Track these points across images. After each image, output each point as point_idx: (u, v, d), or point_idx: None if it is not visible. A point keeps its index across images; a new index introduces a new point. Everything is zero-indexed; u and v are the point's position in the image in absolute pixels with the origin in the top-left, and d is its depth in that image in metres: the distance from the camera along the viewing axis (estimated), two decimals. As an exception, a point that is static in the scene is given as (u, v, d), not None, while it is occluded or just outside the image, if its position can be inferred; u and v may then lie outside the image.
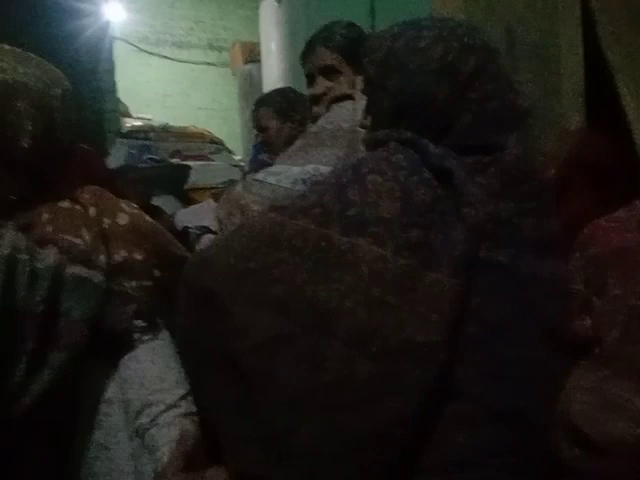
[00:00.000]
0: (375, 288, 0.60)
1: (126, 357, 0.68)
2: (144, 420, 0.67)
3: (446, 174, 0.64)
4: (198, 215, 1.61)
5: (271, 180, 1.17)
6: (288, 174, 1.15)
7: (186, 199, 2.70)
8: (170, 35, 5.08)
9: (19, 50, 0.74)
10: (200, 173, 3.09)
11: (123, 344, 0.68)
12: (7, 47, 0.73)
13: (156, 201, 2.25)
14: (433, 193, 0.63)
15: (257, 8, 4.19)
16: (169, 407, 0.67)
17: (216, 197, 1.76)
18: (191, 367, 0.69)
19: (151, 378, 0.67)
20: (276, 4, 3.90)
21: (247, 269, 0.64)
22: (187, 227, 1.57)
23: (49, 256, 0.63)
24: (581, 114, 2.45)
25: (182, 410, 0.68)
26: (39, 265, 0.62)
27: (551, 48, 2.54)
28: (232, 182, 2.29)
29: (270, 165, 1.64)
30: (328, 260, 0.61)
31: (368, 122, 0.77)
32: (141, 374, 0.67)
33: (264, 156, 1.73)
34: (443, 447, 0.61)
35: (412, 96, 0.69)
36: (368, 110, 0.77)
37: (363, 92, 0.79)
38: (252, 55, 4.64)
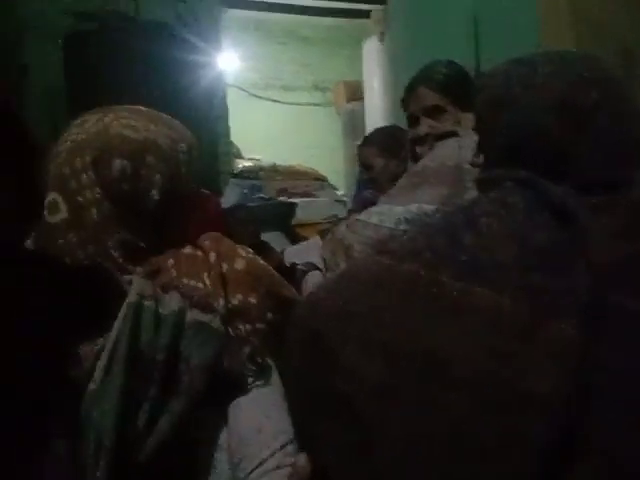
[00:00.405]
0: (491, 336, 0.57)
1: (236, 406, 0.69)
2: (240, 474, 0.67)
3: (568, 215, 0.60)
4: (305, 252, 1.64)
5: (374, 220, 1.17)
6: (391, 214, 1.15)
7: (293, 235, 2.78)
8: (278, 79, 5.34)
9: (150, 109, 0.81)
10: (305, 209, 3.19)
11: (236, 388, 0.69)
12: (141, 108, 0.81)
13: (265, 237, 2.34)
14: (554, 236, 0.59)
15: (360, 48, 4.29)
16: (262, 462, 0.67)
17: (322, 234, 1.80)
18: (299, 410, 0.68)
19: (248, 429, 0.67)
20: (379, 43, 3.97)
21: (355, 312, 0.64)
22: (295, 264, 1.60)
23: (172, 301, 0.66)
24: None
25: (276, 463, 0.67)
26: (163, 311, 0.65)
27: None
28: (337, 219, 2.34)
29: (374, 202, 1.65)
30: (440, 306, 0.59)
31: (480, 161, 0.75)
32: (240, 423, 0.68)
33: (368, 193, 1.75)
34: None
35: (526, 134, 0.66)
36: (480, 149, 0.75)
37: (475, 130, 0.77)
38: (355, 94, 4.75)
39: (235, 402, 0.69)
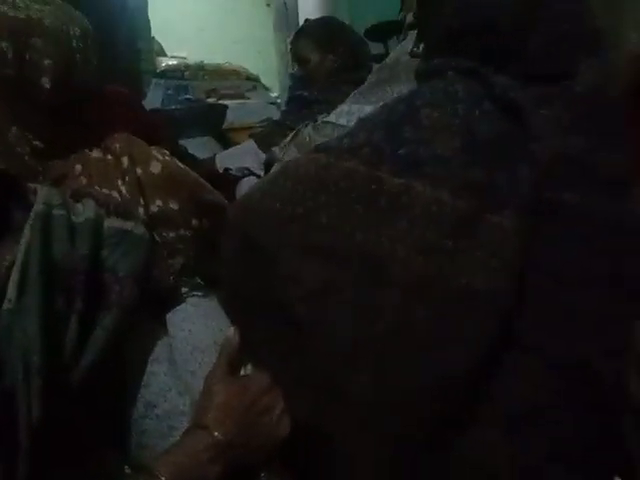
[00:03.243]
0: (431, 233, 0.55)
1: (176, 315, 0.67)
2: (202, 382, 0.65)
3: (511, 107, 0.57)
4: (240, 157, 1.58)
5: (343, 121, 1.11)
6: (361, 114, 1.10)
7: (224, 140, 2.67)
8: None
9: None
10: (237, 112, 3.05)
11: (171, 301, 0.67)
12: None
13: (194, 143, 2.23)
14: (496, 128, 0.57)
15: None
16: None
17: (256, 137, 1.72)
18: (238, 317, 0.67)
19: (206, 341, 0.65)
20: None
21: (293, 215, 0.61)
22: (228, 169, 1.54)
23: (86, 209, 0.61)
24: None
25: None
26: (77, 220, 0.60)
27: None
28: (271, 122, 2.24)
29: (310, 101, 1.57)
30: (379, 204, 0.57)
31: (420, 50, 0.71)
32: (195, 336, 0.66)
33: (304, 92, 1.66)
34: (502, 399, 0.58)
35: (471, 18, 0.62)
36: (420, 37, 0.71)
37: (416, 17, 0.72)
38: (286, -15, 4.43)
39: (183, 313, 0.67)
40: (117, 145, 0.70)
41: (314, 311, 0.59)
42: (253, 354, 0.65)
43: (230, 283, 0.68)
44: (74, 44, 0.68)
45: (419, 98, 0.60)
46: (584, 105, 0.60)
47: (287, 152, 1.28)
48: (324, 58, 1.60)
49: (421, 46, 0.71)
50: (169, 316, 0.67)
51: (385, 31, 2.43)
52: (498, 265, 0.54)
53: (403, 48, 1.15)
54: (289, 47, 1.96)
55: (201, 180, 0.76)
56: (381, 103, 1.12)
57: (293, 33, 1.94)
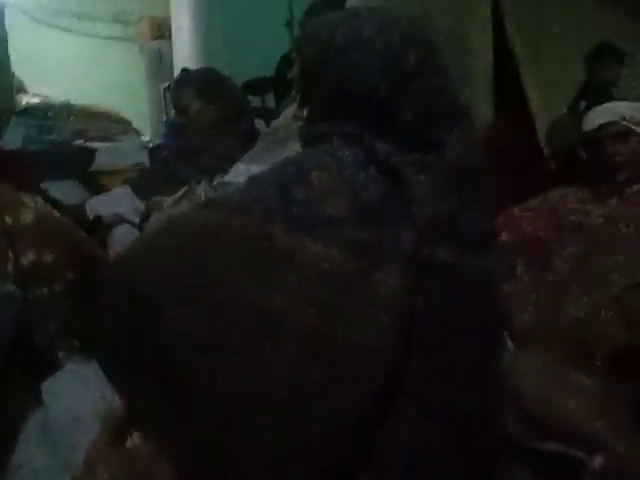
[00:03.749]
0: (323, 289, 0.57)
1: (53, 383, 0.60)
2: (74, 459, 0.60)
3: (393, 172, 0.62)
4: (113, 203, 1.51)
5: (240, 179, 1.11)
6: (236, 172, 1.10)
7: (92, 183, 2.54)
8: (70, 4, 4.71)
9: None
10: (106, 155, 2.92)
11: (46, 367, 0.61)
12: None
13: (57, 186, 2.10)
14: (380, 191, 0.61)
15: (166, -19, 3.98)
16: None
17: (131, 183, 1.66)
18: (121, 381, 0.62)
19: (87, 411, 0.60)
20: (187, -22, 3.73)
21: (180, 270, 0.59)
22: (99, 216, 1.47)
23: None
24: (490, 104, 2.56)
25: None
26: None
27: (462, 35, 2.63)
28: (143, 167, 2.17)
29: (192, 149, 1.56)
30: (271, 261, 0.58)
31: (304, 114, 0.74)
32: (74, 406, 0.60)
33: (183, 141, 1.64)
34: (391, 448, 0.60)
35: (352, 89, 0.67)
36: (303, 101, 0.74)
37: (298, 82, 0.76)
38: (161, 31, 4.43)
39: (59, 380, 0.60)
40: None
41: (203, 369, 0.58)
42: (139, 422, 0.61)
43: (110, 343, 0.63)
44: None
45: (308, 161, 0.63)
46: (454, 171, 0.66)
47: (179, 207, 1.25)
48: (205, 108, 1.61)
49: (304, 110, 0.74)
50: (44, 385, 0.60)
51: (263, 86, 2.51)
52: (385, 320, 0.57)
53: (288, 112, 1.20)
54: (162, 93, 1.94)
55: (77, 229, 0.71)
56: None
57: (167, 80, 1.93)
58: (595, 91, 2.42)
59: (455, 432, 0.63)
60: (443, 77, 0.69)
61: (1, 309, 0.57)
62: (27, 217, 0.64)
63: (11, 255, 0.60)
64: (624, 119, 1.34)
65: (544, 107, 2.41)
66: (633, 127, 1.31)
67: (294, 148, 1.11)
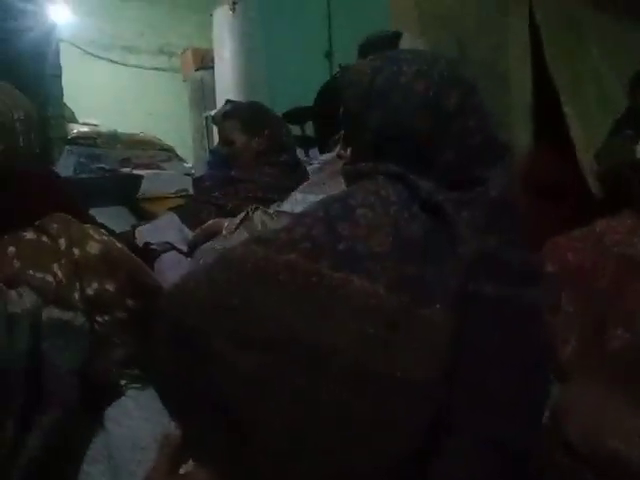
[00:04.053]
0: (368, 325, 0.59)
1: (114, 410, 0.63)
2: None
3: (436, 209, 0.64)
4: (160, 230, 1.56)
5: (299, 210, 1.14)
6: (291, 201, 1.13)
7: (138, 210, 2.62)
8: (119, 39, 4.93)
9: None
10: (152, 182, 3.01)
11: (109, 395, 0.63)
12: None
13: (106, 213, 2.18)
14: (424, 228, 0.63)
15: (210, 14, 4.12)
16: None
17: (177, 211, 1.71)
18: (175, 410, 0.65)
19: (146, 437, 0.62)
20: (230, 12, 3.85)
21: (229, 305, 0.61)
22: (149, 243, 1.52)
23: (24, 298, 0.58)
24: (529, 131, 2.54)
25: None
26: (14, 310, 0.57)
27: (501, 65, 2.63)
28: (187, 194, 2.23)
29: (239, 180, 1.61)
30: (318, 296, 0.60)
31: (347, 154, 0.77)
32: (134, 433, 0.62)
33: (229, 171, 1.70)
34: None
35: (395, 131, 0.69)
36: (346, 142, 0.77)
37: (342, 123, 0.79)
38: (204, 62, 4.57)
39: (121, 408, 0.63)
40: (54, 225, 0.67)
41: (250, 404, 0.59)
42: (193, 450, 0.63)
43: (163, 375, 0.66)
44: (17, 128, 0.67)
45: (353, 198, 0.65)
46: (495, 207, 0.68)
47: (237, 235, 1.28)
48: (250, 140, 1.66)
49: (348, 149, 0.77)
50: (107, 411, 0.63)
51: (303, 115, 2.57)
52: (430, 356, 0.58)
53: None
54: (204, 122, 2.00)
55: (138, 260, 0.74)
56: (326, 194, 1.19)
57: (209, 109, 1.99)
58: (638, 117, 2.37)
59: (499, 465, 0.63)
60: (483, 116, 0.71)
61: (74, 341, 0.60)
62: (94, 249, 0.68)
63: (78, 286, 0.63)
64: None
65: (584, 136, 2.39)
66: None
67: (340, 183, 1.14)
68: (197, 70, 4.70)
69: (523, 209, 0.88)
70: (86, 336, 0.61)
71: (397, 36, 1.29)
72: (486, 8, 2.66)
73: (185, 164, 3.83)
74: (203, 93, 4.52)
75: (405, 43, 1.25)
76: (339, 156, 0.80)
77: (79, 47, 4.66)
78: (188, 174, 3.41)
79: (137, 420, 0.63)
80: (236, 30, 3.83)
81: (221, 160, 1.76)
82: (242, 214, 1.34)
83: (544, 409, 0.69)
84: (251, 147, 1.66)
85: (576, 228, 1.55)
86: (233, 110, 1.78)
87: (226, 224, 1.34)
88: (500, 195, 0.69)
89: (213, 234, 1.38)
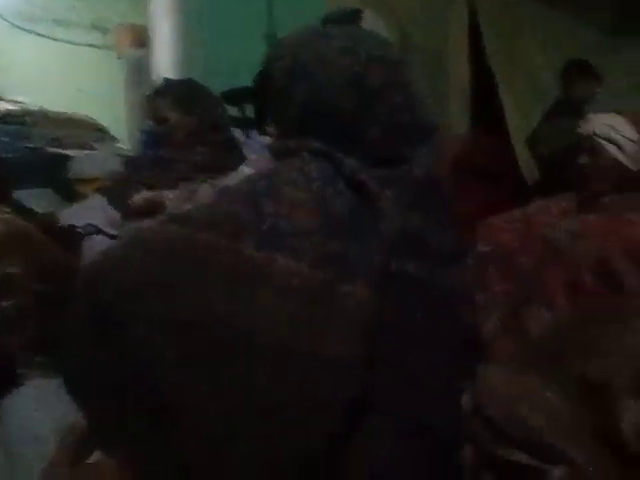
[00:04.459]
0: (291, 304, 0.57)
1: (13, 400, 0.59)
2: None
3: (360, 187, 0.63)
4: (86, 213, 1.48)
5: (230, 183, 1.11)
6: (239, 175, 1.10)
7: (67, 192, 2.51)
8: (48, 11, 4.67)
9: None
10: (83, 163, 2.90)
11: (6, 384, 0.59)
12: None
13: (30, 195, 2.07)
14: (349, 205, 0.62)
15: (146, -10, 3.97)
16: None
17: (104, 192, 1.64)
18: (86, 398, 0.61)
19: (47, 430, 0.58)
20: (167, -13, 3.73)
21: (147, 286, 0.58)
22: (74, 226, 1.44)
23: None
24: (467, 118, 2.61)
25: None
26: None
27: (441, 52, 2.68)
28: (119, 175, 2.15)
29: (170, 160, 1.55)
30: (241, 276, 0.58)
31: (273, 130, 0.75)
32: (35, 425, 0.58)
33: (159, 150, 1.63)
34: (362, 463, 0.60)
35: (320, 107, 0.68)
36: (273, 118, 0.75)
37: (267, 99, 0.77)
38: (140, 39, 4.41)
39: (20, 398, 0.58)
40: None
41: (180, 388, 0.57)
42: (102, 439, 0.60)
43: (76, 361, 0.62)
44: None
45: (278, 175, 0.63)
46: (420, 186, 0.67)
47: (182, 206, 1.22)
48: (183, 118, 1.59)
49: (275, 126, 0.75)
50: (4, 402, 0.58)
51: (241, 96, 2.51)
52: (353, 333, 0.57)
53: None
54: (143, 101, 1.92)
55: (46, 239, 0.69)
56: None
57: (147, 89, 1.92)
58: (569, 107, 2.46)
59: (423, 445, 0.63)
60: (410, 95, 0.70)
61: None
62: None
63: None
64: (594, 133, 1.37)
65: (519, 123, 2.47)
66: (603, 142, 1.35)
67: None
68: (133, 47, 4.53)
69: (454, 189, 0.88)
70: None
71: (357, 13, 1.26)
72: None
73: (119, 144, 3.70)
74: (139, 72, 4.36)
75: (366, 22, 1.23)
76: (268, 133, 0.78)
77: (5, 19, 4.39)
78: (122, 155, 3.30)
79: (38, 411, 0.59)
80: (174, 7, 3.71)
81: (153, 139, 1.69)
82: (192, 186, 1.28)
83: (467, 389, 0.70)
84: (184, 125, 1.60)
85: (510, 210, 1.60)
86: (166, 87, 1.71)
87: (170, 196, 1.26)
88: (426, 174, 0.68)
89: (152, 210, 1.31)
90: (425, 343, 0.64)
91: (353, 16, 1.25)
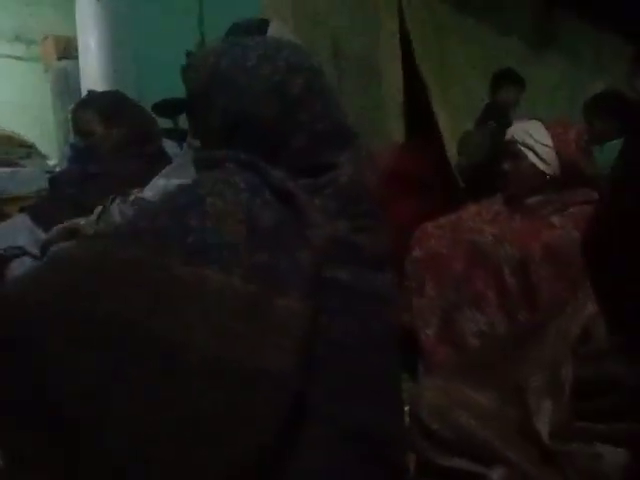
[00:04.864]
0: (224, 318, 0.56)
1: None
2: None
3: (287, 196, 0.62)
4: (10, 234, 1.41)
5: (148, 195, 1.08)
6: (154, 187, 1.08)
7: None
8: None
9: None
10: (7, 181, 2.77)
11: None
12: None
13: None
14: (276, 216, 0.61)
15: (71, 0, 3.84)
16: None
17: (29, 211, 1.56)
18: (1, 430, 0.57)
19: None
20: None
21: (67, 307, 0.55)
22: (-3, 250, 1.37)
23: None
24: (401, 126, 2.65)
25: None
26: None
27: (373, 61, 2.72)
28: (45, 193, 2.06)
29: (97, 174, 1.50)
30: (169, 292, 0.56)
31: (196, 142, 0.73)
32: None
33: (87, 165, 1.57)
34: (302, 472, 0.59)
35: (241, 116, 0.67)
36: (195, 130, 0.73)
37: (188, 114, 0.75)
38: (67, 50, 4.26)
39: None
40: None
41: (94, 410, 0.54)
42: (21, 472, 0.56)
43: None
44: None
45: (202, 187, 0.62)
46: (347, 193, 0.67)
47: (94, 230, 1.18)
48: (109, 131, 1.54)
49: (196, 138, 0.73)
50: None
51: (174, 107, 2.46)
52: (289, 345, 0.56)
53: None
54: (69, 115, 1.86)
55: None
56: (174, 179, 1.13)
57: (74, 102, 1.85)
58: (497, 112, 2.57)
59: (361, 452, 0.62)
60: (329, 101, 0.71)
61: None
62: None
63: None
64: (514, 140, 1.44)
65: (451, 129, 2.53)
66: (522, 148, 1.42)
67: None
68: (60, 59, 4.36)
69: (388, 196, 0.89)
70: None
71: (265, 22, 1.26)
72: (359, 6, 2.73)
73: (48, 161, 3.55)
74: (67, 84, 4.21)
75: (273, 30, 1.23)
76: (189, 145, 0.76)
77: None
78: (50, 172, 3.16)
79: None
80: (101, 17, 3.60)
81: (79, 154, 1.63)
82: (99, 208, 1.25)
83: (401, 393, 0.70)
84: (111, 138, 1.55)
85: (442, 216, 1.64)
86: (90, 100, 1.65)
87: (82, 222, 1.23)
88: (351, 180, 0.69)
89: (69, 236, 1.26)
90: (359, 348, 0.64)
91: (261, 25, 1.25)
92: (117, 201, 1.22)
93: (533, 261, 1.31)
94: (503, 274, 1.34)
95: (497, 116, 2.46)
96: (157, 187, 1.18)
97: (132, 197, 1.21)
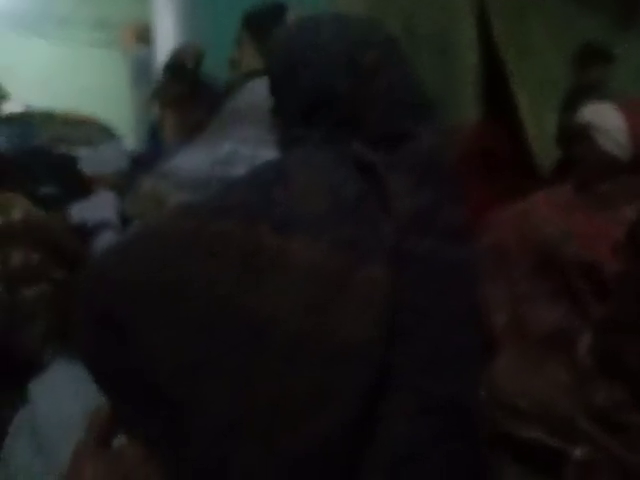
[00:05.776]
0: (310, 290, 0.57)
1: (40, 383, 0.59)
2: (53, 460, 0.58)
3: (369, 169, 0.63)
4: (95, 208, 1.49)
5: (186, 166, 1.09)
6: (206, 157, 1.09)
7: (75, 190, 2.51)
8: (51, 13, 4.68)
9: None
10: (88, 162, 2.90)
11: (33, 368, 0.59)
12: None
13: (40, 193, 2.08)
14: (359, 188, 0.62)
15: (149, -14, 3.97)
16: None
17: (114, 187, 1.64)
18: (106, 388, 0.61)
19: (74, 412, 0.58)
20: (170, -16, 3.72)
21: (158, 283, 0.56)
22: (84, 222, 1.45)
23: None
24: (477, 106, 2.59)
25: None
26: None
27: (449, 41, 2.66)
28: (126, 173, 2.16)
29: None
30: (258, 264, 0.57)
31: (278, 122, 0.75)
32: (61, 407, 0.58)
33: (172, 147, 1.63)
34: (387, 444, 0.59)
35: (319, 94, 0.68)
36: (276, 112, 0.75)
37: (271, 94, 0.77)
38: (145, 37, 4.41)
39: (46, 382, 0.59)
40: None
41: (187, 389, 0.55)
42: (127, 425, 0.59)
43: (90, 360, 0.61)
44: None
45: (285, 164, 0.64)
46: (427, 165, 0.67)
47: (131, 206, 1.22)
48: (187, 115, 1.60)
49: (278, 118, 0.75)
50: (31, 385, 0.59)
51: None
52: (370, 316, 0.57)
53: (244, 93, 1.19)
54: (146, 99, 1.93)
55: (63, 230, 0.71)
56: (223, 143, 1.14)
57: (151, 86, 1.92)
58: (584, 94, 2.44)
59: (445, 423, 0.62)
60: (405, 72, 0.71)
61: None
62: (17, 215, 0.64)
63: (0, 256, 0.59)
64: (586, 122, 1.37)
65: (531, 108, 2.45)
66: (592, 132, 1.35)
67: (237, 129, 1.10)
68: (138, 45, 4.53)
69: (463, 174, 0.88)
70: (4, 307, 0.57)
71: (282, 8, 1.29)
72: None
73: (125, 144, 3.70)
74: (145, 69, 4.37)
75: (292, 16, 1.25)
76: (273, 125, 0.78)
77: (7, 20, 4.40)
78: (127, 154, 3.29)
79: (63, 395, 0.60)
80: (177, 4, 3.71)
81: (159, 136, 1.69)
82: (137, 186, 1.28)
83: (480, 364, 0.69)
84: (188, 122, 1.61)
85: (518, 198, 1.59)
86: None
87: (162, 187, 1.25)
88: (432, 152, 0.68)
89: (153, 205, 1.30)
90: (441, 319, 0.63)
91: (278, 11, 1.25)
92: (149, 176, 1.24)
93: (602, 264, 1.26)
94: (571, 275, 1.30)
95: (588, 97, 2.34)
96: (183, 156, 1.16)
97: (162, 170, 1.20)
